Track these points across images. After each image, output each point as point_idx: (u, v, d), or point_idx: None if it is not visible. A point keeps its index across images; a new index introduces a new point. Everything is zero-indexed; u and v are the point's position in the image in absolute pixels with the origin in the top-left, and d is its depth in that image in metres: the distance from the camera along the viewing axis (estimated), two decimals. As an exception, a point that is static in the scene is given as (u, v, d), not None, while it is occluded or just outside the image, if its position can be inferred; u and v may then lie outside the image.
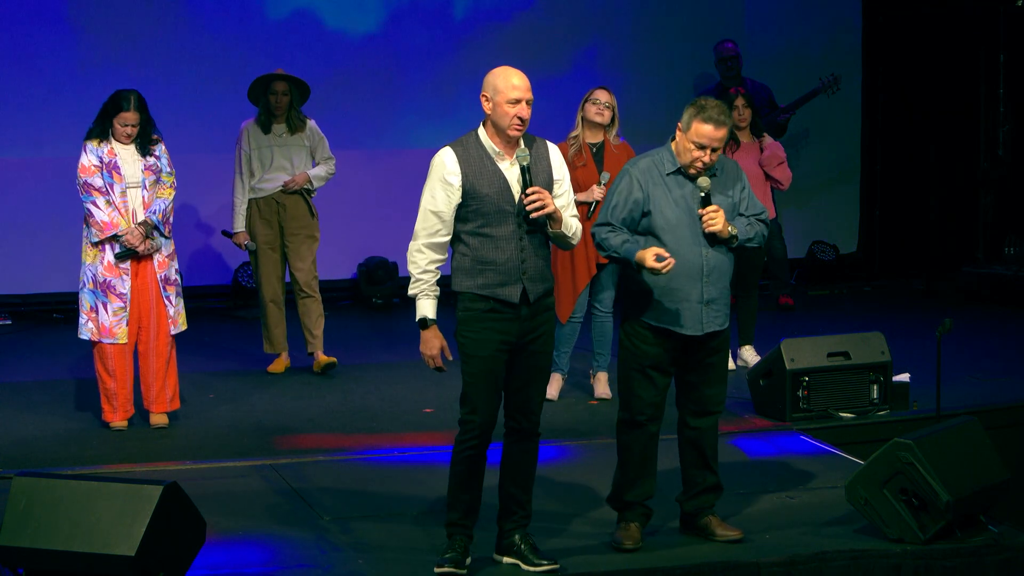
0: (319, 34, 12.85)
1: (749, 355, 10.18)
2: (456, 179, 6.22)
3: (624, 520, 6.75)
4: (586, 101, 9.16)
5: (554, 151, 6.41)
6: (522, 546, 6.41)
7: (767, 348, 9.13)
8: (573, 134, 9.17)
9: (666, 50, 13.62)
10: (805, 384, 8.76)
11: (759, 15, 13.94)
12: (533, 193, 6.19)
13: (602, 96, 9.13)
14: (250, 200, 10.03)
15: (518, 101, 6.22)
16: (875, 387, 8.91)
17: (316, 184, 10.06)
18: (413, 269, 6.29)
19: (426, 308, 6.26)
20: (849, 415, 8.83)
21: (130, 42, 12.41)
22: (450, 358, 6.27)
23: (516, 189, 6.26)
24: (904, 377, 9.09)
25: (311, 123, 10.08)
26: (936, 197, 14.02)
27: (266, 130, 10.00)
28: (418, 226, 6.29)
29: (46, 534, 5.84)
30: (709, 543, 6.71)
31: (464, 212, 6.25)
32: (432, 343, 6.26)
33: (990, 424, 7.73)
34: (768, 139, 10.25)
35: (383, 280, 12.91)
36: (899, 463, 6.65)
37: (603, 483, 7.05)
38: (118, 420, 8.65)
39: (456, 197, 6.23)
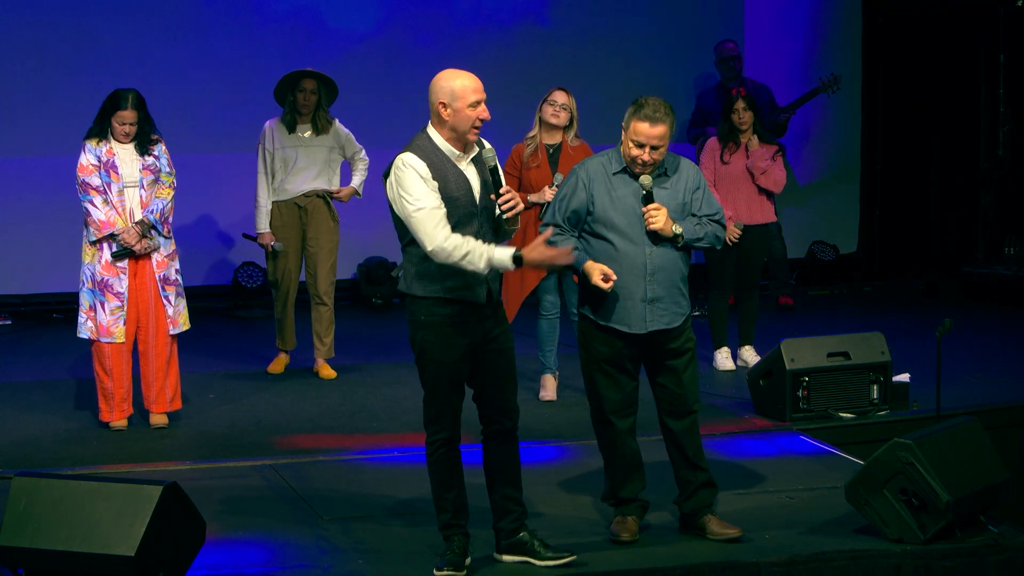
0: (319, 34, 12.85)
1: (749, 355, 10.18)
2: (432, 182, 6.16)
3: (621, 514, 6.80)
4: (543, 102, 9.13)
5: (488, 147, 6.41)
6: (533, 543, 6.40)
7: (767, 348, 9.13)
8: (530, 135, 9.16)
9: (666, 50, 13.62)
10: (805, 384, 8.76)
11: (759, 15, 13.95)
12: (506, 193, 6.20)
13: (559, 97, 9.10)
14: (272, 202, 9.96)
15: (479, 103, 6.19)
16: (875, 387, 8.91)
17: (361, 190, 10.03)
18: (457, 253, 6.05)
19: (501, 254, 6.07)
20: (849, 415, 8.83)
21: (130, 42, 12.41)
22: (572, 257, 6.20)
23: (477, 190, 6.25)
24: (904, 377, 9.09)
25: (336, 124, 10.00)
26: (936, 197, 14.03)
27: (291, 130, 9.88)
28: (421, 230, 6.09)
29: (46, 534, 5.84)
30: (708, 543, 6.71)
31: None
32: (546, 254, 6.14)
33: (990, 424, 7.73)
34: (755, 144, 10.18)
35: (383, 280, 12.91)
36: (899, 463, 6.65)
37: (602, 483, 7.05)
38: (116, 420, 8.65)
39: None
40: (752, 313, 10.26)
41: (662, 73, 13.52)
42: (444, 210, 6.13)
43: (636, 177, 6.62)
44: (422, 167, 6.16)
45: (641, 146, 6.54)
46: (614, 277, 6.49)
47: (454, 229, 6.15)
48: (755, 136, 10.17)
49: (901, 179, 14.33)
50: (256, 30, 12.73)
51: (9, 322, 12.18)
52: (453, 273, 6.18)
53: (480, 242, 6.12)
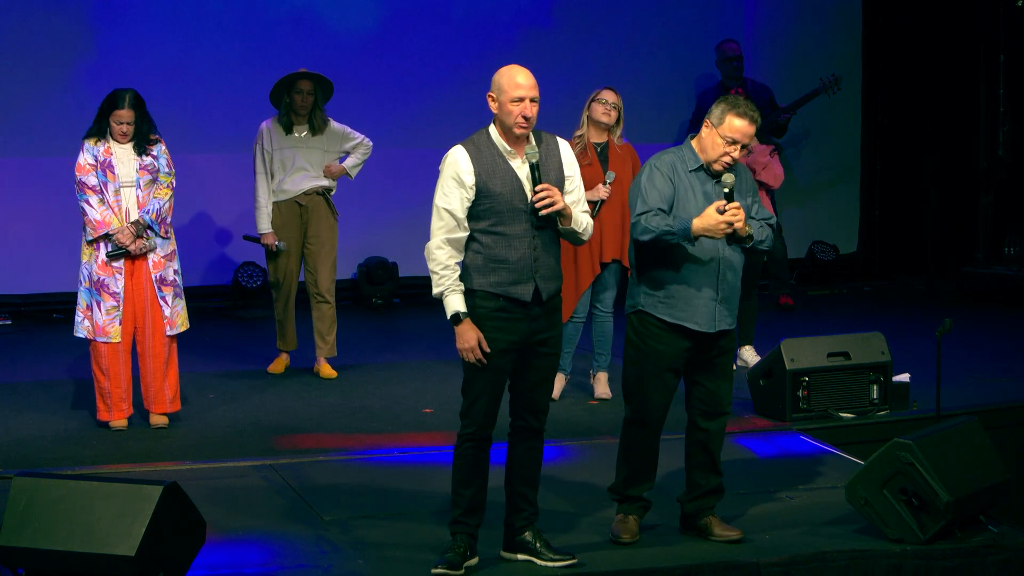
0: (319, 33, 12.84)
1: (749, 355, 10.18)
2: (470, 178, 6.23)
3: (623, 512, 6.80)
4: (592, 101, 9.16)
5: (565, 147, 6.46)
6: (536, 543, 6.43)
7: (767, 348, 9.14)
8: (578, 133, 9.19)
9: (666, 50, 13.62)
10: (805, 384, 8.76)
11: (759, 15, 13.95)
12: (543, 190, 6.21)
13: (609, 97, 9.14)
14: (272, 202, 9.97)
15: (522, 99, 6.24)
16: (875, 387, 8.91)
17: (353, 173, 10.04)
18: (435, 266, 6.25)
19: (456, 303, 6.23)
20: (849, 415, 8.83)
21: (130, 43, 12.40)
22: (487, 349, 6.21)
23: (528, 187, 6.28)
24: (904, 377, 9.09)
25: (332, 123, 10.00)
26: (936, 197, 14.03)
27: (288, 131, 9.90)
28: (434, 224, 6.28)
29: (46, 534, 5.84)
30: (709, 543, 6.72)
31: (477, 210, 6.25)
32: (469, 336, 6.20)
33: (990, 424, 7.73)
34: (754, 141, 10.17)
35: (383, 280, 12.91)
36: (899, 463, 6.65)
37: (603, 483, 7.06)
38: (116, 419, 8.64)
39: (470, 195, 6.24)
40: (751, 313, 10.26)
41: (662, 73, 13.52)
42: (458, 219, 6.22)
43: (712, 175, 6.61)
44: (464, 161, 6.24)
45: (734, 143, 6.54)
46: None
47: (497, 224, 6.23)
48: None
49: (901, 179, 14.33)
50: (256, 30, 12.72)
51: (9, 322, 12.17)
52: (498, 268, 6.23)
53: (456, 279, 6.23)
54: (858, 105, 14.26)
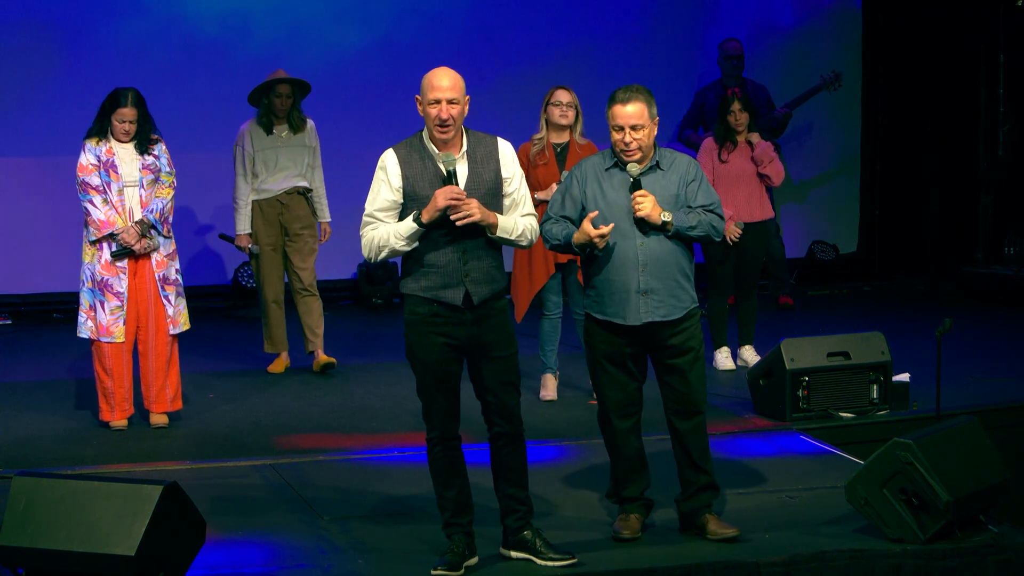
0: (318, 35, 12.85)
1: (749, 355, 10.19)
2: (397, 180, 6.22)
3: (624, 512, 6.83)
4: (548, 104, 9.11)
5: (505, 149, 6.36)
6: (536, 542, 6.41)
7: (767, 348, 9.13)
8: (537, 136, 9.15)
9: (666, 50, 13.62)
10: (805, 384, 8.76)
11: (759, 15, 13.95)
12: (456, 199, 6.15)
13: (563, 97, 9.10)
14: (252, 201, 10.04)
15: (438, 102, 6.17)
16: (875, 387, 8.91)
17: (328, 214, 10.17)
18: (373, 246, 6.21)
19: (407, 224, 6.16)
20: (849, 415, 8.84)
21: (131, 45, 12.42)
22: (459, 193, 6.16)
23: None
24: (904, 377, 9.08)
25: (310, 123, 10.09)
26: (936, 197, 14.03)
27: (268, 131, 10.00)
28: (362, 229, 6.27)
29: (46, 534, 5.84)
30: (708, 542, 6.71)
31: (406, 214, 6.23)
32: (435, 197, 6.11)
33: (990, 424, 7.72)
34: (757, 138, 10.20)
35: (383, 280, 12.92)
36: (899, 463, 6.65)
37: (603, 482, 7.06)
38: (117, 419, 8.65)
39: (397, 198, 6.23)
40: (751, 313, 10.26)
41: (662, 73, 13.52)
42: (378, 217, 6.22)
43: (626, 169, 6.63)
44: (392, 162, 6.25)
45: (620, 128, 6.59)
46: (611, 224, 6.49)
47: (427, 228, 6.19)
48: (755, 133, 10.19)
49: (901, 179, 14.34)
50: (255, 30, 12.73)
51: (9, 322, 12.18)
52: (427, 273, 6.22)
53: (392, 223, 6.21)
54: (858, 105, 14.27)
